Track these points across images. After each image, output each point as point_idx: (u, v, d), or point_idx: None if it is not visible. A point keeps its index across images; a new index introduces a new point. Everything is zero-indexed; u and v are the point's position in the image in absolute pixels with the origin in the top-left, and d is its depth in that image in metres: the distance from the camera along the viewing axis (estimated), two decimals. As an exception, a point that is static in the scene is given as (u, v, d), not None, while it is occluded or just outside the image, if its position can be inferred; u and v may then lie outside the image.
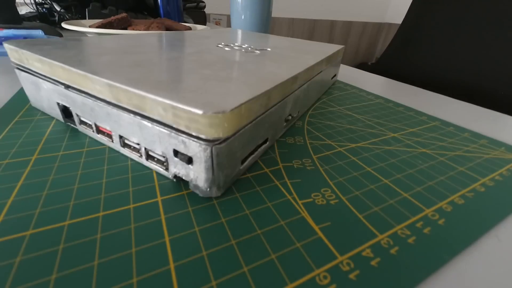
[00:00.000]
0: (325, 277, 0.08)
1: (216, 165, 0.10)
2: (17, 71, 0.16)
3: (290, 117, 0.16)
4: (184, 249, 0.09)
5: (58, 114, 0.16)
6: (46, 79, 0.15)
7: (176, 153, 0.11)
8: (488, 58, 0.56)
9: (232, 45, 0.22)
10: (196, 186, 0.11)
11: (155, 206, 0.10)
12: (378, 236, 0.10)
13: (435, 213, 0.11)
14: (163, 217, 0.10)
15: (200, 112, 0.09)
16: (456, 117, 0.23)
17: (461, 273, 0.09)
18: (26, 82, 0.16)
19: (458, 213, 0.11)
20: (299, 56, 0.19)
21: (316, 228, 0.10)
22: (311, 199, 0.11)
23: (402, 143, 0.17)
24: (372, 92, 0.28)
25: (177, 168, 0.11)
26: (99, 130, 0.14)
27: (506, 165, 0.15)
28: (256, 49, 0.21)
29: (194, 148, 0.10)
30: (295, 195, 0.12)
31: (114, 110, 0.12)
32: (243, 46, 0.22)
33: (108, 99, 0.12)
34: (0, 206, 0.10)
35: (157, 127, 0.11)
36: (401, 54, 0.74)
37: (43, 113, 0.17)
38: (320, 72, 0.20)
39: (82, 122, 0.15)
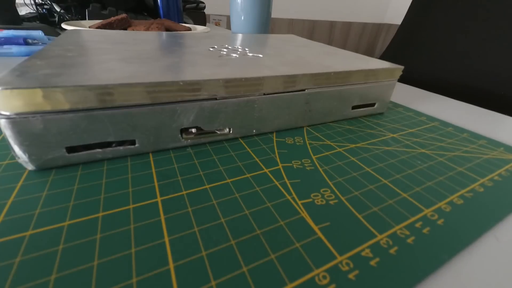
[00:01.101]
0: (324, 277, 0.08)
1: (8, 137, 0.11)
2: None
3: (194, 129, 0.14)
4: (184, 249, 0.09)
5: None
6: None
7: None
8: (488, 58, 0.56)
9: (226, 46, 0.22)
10: None
11: (155, 206, 0.10)
12: (378, 236, 0.10)
13: (434, 213, 0.11)
14: (162, 217, 0.10)
15: None
16: (455, 118, 0.23)
17: (460, 273, 0.09)
18: None
19: (457, 213, 0.11)
20: (274, 67, 0.16)
21: (315, 228, 0.10)
22: (310, 199, 0.11)
23: (401, 143, 0.17)
24: (372, 92, 0.28)
25: None
26: None
27: (505, 166, 0.15)
28: (245, 54, 0.20)
29: None
30: (294, 195, 0.12)
31: None
32: (238, 49, 0.21)
33: None
34: (0, 206, 0.10)
35: None
36: (401, 55, 0.74)
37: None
38: (302, 90, 0.16)
39: None
